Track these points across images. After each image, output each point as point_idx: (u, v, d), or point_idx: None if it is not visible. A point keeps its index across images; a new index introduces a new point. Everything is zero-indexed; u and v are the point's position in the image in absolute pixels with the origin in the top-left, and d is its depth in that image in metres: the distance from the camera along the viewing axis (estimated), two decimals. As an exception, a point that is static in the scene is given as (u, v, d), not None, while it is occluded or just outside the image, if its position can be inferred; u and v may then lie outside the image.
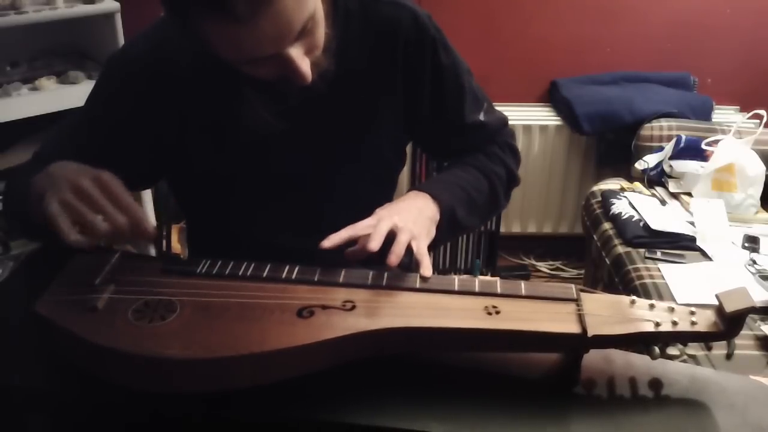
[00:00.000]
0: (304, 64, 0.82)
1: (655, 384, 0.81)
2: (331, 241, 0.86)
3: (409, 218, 0.91)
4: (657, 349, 0.78)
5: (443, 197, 0.98)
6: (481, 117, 1.10)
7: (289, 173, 1.03)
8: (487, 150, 1.12)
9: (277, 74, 0.83)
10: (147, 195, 2.17)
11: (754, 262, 1.82)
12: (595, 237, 2.13)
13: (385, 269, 0.85)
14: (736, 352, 1.52)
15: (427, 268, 0.86)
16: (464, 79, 1.07)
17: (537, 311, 0.80)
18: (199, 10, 0.75)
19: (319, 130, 1.01)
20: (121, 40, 2.05)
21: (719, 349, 1.52)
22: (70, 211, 0.76)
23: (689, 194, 2.12)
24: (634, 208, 2.07)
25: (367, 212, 1.11)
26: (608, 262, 1.99)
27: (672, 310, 0.79)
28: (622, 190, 2.19)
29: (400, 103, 1.05)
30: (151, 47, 0.95)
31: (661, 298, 1.68)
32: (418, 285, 0.83)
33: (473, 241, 2.53)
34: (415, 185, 1.04)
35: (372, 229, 0.87)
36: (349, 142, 1.04)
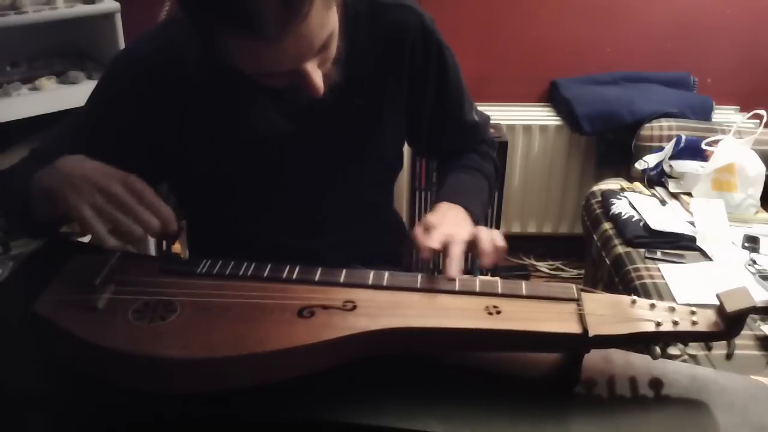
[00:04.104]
0: (318, 78, 0.82)
1: (655, 383, 0.81)
2: (427, 252, 0.87)
3: (463, 229, 0.94)
4: (657, 349, 0.78)
5: (473, 209, 1.02)
6: (475, 116, 1.16)
7: (293, 174, 1.03)
8: (479, 149, 1.18)
9: (288, 84, 0.83)
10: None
11: (754, 262, 1.82)
12: (595, 237, 2.13)
13: (385, 269, 0.86)
14: (736, 352, 1.52)
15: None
16: (461, 80, 1.10)
17: (538, 311, 0.80)
18: (225, 28, 0.75)
19: (325, 132, 1.01)
20: (121, 40, 2.05)
21: (719, 349, 1.52)
22: (104, 216, 0.78)
23: (689, 194, 2.12)
24: (634, 208, 2.07)
25: (367, 212, 1.11)
26: (608, 262, 1.99)
27: (673, 309, 0.79)
28: (622, 190, 2.20)
29: (403, 105, 1.06)
30: (155, 49, 0.95)
31: (661, 298, 1.68)
32: (418, 285, 0.83)
33: (473, 241, 2.53)
34: (440, 192, 1.07)
35: (443, 237, 0.89)
36: (353, 144, 1.04)
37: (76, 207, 0.78)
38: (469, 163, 1.15)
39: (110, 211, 0.78)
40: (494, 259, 0.89)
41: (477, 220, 1.01)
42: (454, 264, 0.86)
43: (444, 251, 0.88)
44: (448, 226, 0.92)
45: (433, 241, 0.88)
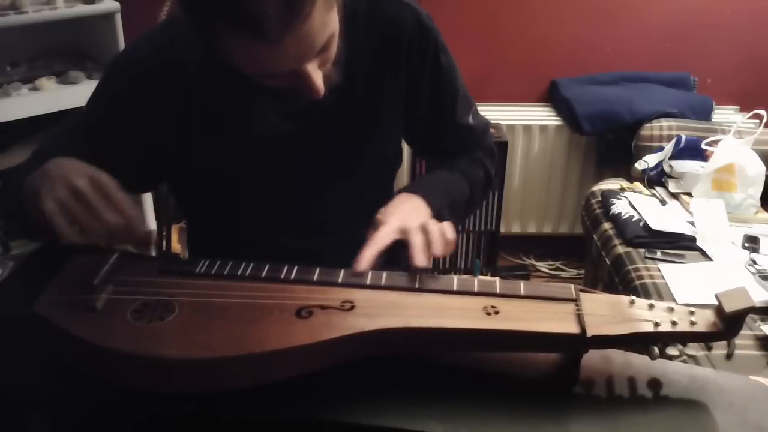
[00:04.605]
0: (318, 79, 0.82)
1: (654, 384, 0.81)
2: (365, 262, 0.85)
3: (417, 221, 0.92)
4: (656, 349, 0.78)
5: (434, 200, 1.00)
6: (470, 120, 1.13)
7: (293, 174, 1.03)
8: (472, 154, 1.15)
9: (289, 85, 0.83)
10: (147, 195, 2.17)
11: (754, 262, 1.82)
12: (595, 237, 2.13)
13: (384, 269, 0.86)
14: (736, 352, 1.52)
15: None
16: (458, 81, 1.10)
17: (536, 311, 0.80)
18: (226, 28, 0.75)
19: (325, 132, 1.01)
20: (121, 40, 2.05)
21: (719, 349, 1.52)
22: (65, 210, 0.77)
23: (689, 194, 2.12)
24: (634, 208, 2.07)
25: (367, 211, 1.11)
26: (608, 262, 1.99)
27: (671, 310, 0.79)
28: (622, 190, 2.20)
29: (401, 103, 1.06)
30: (155, 49, 0.95)
31: (661, 298, 1.68)
32: (417, 285, 0.83)
33: (473, 241, 2.53)
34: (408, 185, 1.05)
35: (390, 237, 0.88)
36: (353, 143, 1.04)
37: (42, 201, 0.77)
38: (453, 163, 1.13)
39: (70, 204, 0.77)
40: (444, 250, 0.87)
41: (439, 215, 0.98)
42: (419, 253, 0.85)
43: (405, 243, 0.87)
44: (397, 219, 0.91)
45: (364, 262, 0.85)
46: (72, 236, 0.76)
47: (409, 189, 1.02)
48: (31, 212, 0.83)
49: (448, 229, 0.89)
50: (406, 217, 0.92)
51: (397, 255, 0.89)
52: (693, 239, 1.92)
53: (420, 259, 0.84)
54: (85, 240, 0.77)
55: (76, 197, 0.77)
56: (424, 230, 0.88)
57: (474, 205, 1.16)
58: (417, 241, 0.86)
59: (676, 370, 0.83)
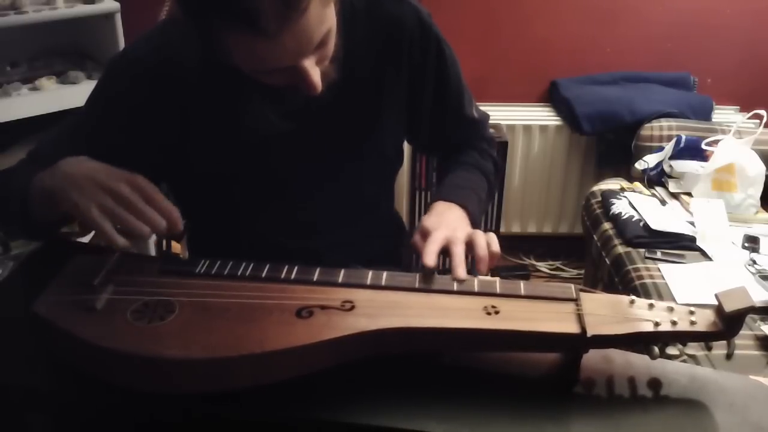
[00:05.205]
0: (316, 75, 0.83)
1: (655, 383, 0.81)
2: (431, 258, 0.87)
3: (463, 231, 0.93)
4: (656, 349, 0.78)
5: (470, 206, 1.02)
6: (475, 113, 1.16)
7: (292, 174, 1.03)
8: (478, 146, 1.17)
9: (286, 83, 0.84)
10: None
11: (754, 262, 1.82)
12: (595, 237, 2.13)
13: (384, 270, 0.86)
14: (736, 352, 1.52)
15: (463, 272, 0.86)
16: (461, 75, 1.11)
17: (536, 311, 0.80)
18: (225, 24, 0.75)
19: (324, 131, 1.01)
20: (121, 40, 2.05)
21: (719, 349, 1.52)
22: (112, 217, 0.78)
23: (689, 194, 2.12)
24: (634, 208, 2.07)
25: (367, 210, 1.12)
26: (608, 262, 1.99)
27: (671, 309, 0.79)
28: (622, 190, 2.20)
29: (402, 101, 1.06)
30: (154, 49, 0.95)
31: (661, 298, 1.67)
32: (417, 285, 0.83)
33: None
34: (437, 191, 1.06)
35: (438, 245, 0.89)
36: (353, 142, 1.04)
37: (83, 207, 0.79)
38: (467, 160, 1.14)
39: (117, 210, 0.78)
40: (489, 265, 0.88)
41: (474, 218, 1.01)
42: (460, 265, 0.85)
43: (447, 253, 0.88)
44: (445, 228, 0.92)
45: (432, 253, 0.87)
46: (122, 242, 0.78)
47: (444, 196, 1.03)
48: (42, 211, 0.83)
49: (493, 242, 0.90)
50: (455, 227, 0.93)
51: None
52: (693, 239, 1.92)
53: (460, 271, 0.85)
54: (131, 242, 0.80)
55: (121, 203, 0.79)
56: (470, 243, 0.89)
57: (492, 197, 1.18)
58: (459, 253, 0.87)
59: (676, 370, 0.83)
